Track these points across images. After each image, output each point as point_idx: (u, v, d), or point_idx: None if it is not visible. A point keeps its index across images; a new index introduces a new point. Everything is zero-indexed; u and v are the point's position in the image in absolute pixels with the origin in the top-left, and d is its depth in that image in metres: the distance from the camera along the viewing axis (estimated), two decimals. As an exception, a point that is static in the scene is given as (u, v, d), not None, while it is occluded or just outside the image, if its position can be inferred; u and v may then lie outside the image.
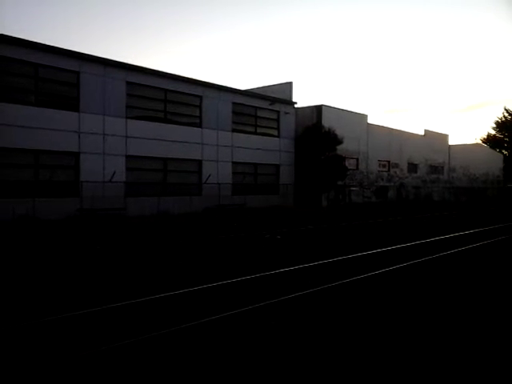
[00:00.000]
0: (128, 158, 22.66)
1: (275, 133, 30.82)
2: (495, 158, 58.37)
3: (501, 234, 17.43)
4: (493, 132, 69.77)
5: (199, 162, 26.06)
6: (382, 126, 39.23)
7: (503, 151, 66.19)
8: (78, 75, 20.93)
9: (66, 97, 20.91)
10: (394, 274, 9.73)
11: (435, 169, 46.95)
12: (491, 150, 60.67)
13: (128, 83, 22.77)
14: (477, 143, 61.97)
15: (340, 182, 32.35)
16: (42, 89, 20.16)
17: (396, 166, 40.78)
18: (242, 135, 28.37)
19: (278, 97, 31.05)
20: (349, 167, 33.38)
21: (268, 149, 29.82)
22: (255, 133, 29.53)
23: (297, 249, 13.60)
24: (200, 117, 26.22)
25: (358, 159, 35.64)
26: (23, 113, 19.16)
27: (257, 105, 29.47)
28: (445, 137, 48.93)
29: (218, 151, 26.93)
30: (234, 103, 27.99)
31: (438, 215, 28.10)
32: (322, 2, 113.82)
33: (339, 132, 31.15)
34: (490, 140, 68.69)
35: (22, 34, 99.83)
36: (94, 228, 17.83)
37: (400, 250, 13.00)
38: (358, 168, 35.64)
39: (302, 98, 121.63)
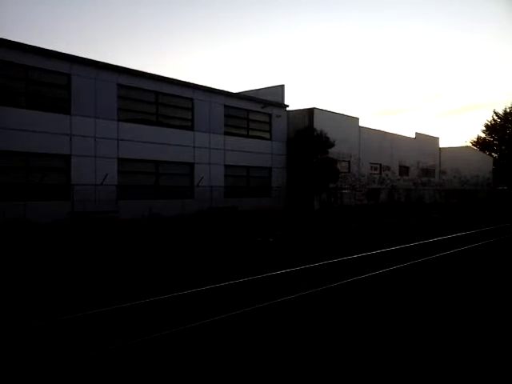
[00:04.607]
0: (120, 160, 22.56)
1: (267, 136, 30.87)
2: (485, 161, 58.95)
3: (489, 236, 17.57)
4: (482, 135, 70.45)
5: (191, 165, 26.02)
6: (374, 129, 39.46)
7: (493, 154, 66.83)
8: (69, 77, 20.83)
9: (56, 99, 20.79)
10: (381, 277, 9.78)
11: (426, 171, 47.32)
12: (481, 153, 61.26)
13: (119, 86, 22.70)
14: (467, 146, 62.53)
15: (332, 185, 32.44)
16: (32, 91, 20.02)
17: (387, 168, 41.02)
18: (234, 138, 28.36)
19: (270, 99, 31.11)
20: (341, 170, 33.47)
21: (260, 152, 29.85)
22: (247, 136, 29.55)
23: (289, 251, 13.61)
24: (192, 119, 26.19)
25: (349, 162, 35.80)
26: (13, 115, 19.01)
27: (249, 108, 29.51)
28: (435, 140, 49.34)
29: (210, 154, 26.92)
30: (225, 106, 28.00)
31: (428, 218, 28.27)
32: (313, 7, 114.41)
33: (331, 135, 31.26)
34: (479, 143, 69.30)
35: (12, 35, 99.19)
36: (86, 231, 17.71)
37: (389, 254, 13.05)
38: (349, 171, 35.79)
39: (294, 101, 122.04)
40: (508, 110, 67.29)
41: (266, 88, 33.37)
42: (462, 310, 7.25)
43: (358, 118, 37.30)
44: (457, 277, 9.84)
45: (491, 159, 61.64)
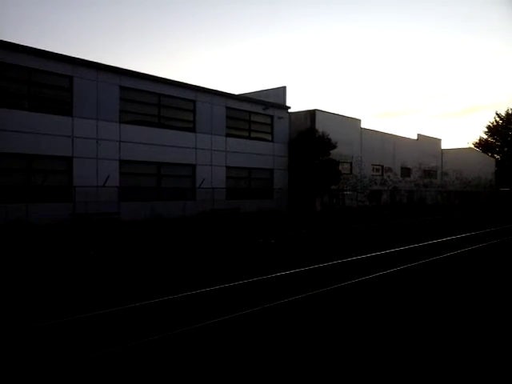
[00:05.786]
0: (121, 162, 22.59)
1: (269, 137, 30.87)
2: (487, 163, 58.84)
3: (493, 238, 17.53)
4: (485, 136, 70.35)
5: (193, 167, 26.04)
6: (376, 131, 39.43)
7: (495, 155, 66.71)
8: (71, 80, 20.88)
9: (59, 101, 20.84)
10: (386, 278, 9.76)
11: (428, 173, 47.24)
12: (483, 155, 61.15)
13: (121, 88, 22.73)
14: (469, 147, 62.44)
15: (334, 187, 32.40)
16: (34, 93, 20.07)
17: (389, 170, 40.99)
18: (235, 140, 28.38)
19: (271, 101, 31.13)
20: (342, 171, 33.45)
21: (262, 153, 29.86)
22: (249, 137, 29.57)
23: (291, 253, 13.59)
24: (194, 121, 26.22)
25: (351, 163, 35.78)
26: (16, 117, 19.07)
27: (251, 109, 29.53)
28: (437, 141, 49.28)
29: (212, 156, 26.93)
30: (227, 108, 28.03)
31: (431, 219, 28.22)
32: (314, 9, 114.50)
33: (333, 136, 31.25)
34: (482, 144, 69.20)
35: (14, 37, 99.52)
36: (88, 233, 17.74)
37: (389, 255, 13.04)
38: (351, 172, 35.77)
39: (296, 103, 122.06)
40: (510, 112, 67.20)
41: (267, 90, 33.41)
42: (469, 311, 7.24)
43: (359, 120, 37.30)
44: (461, 278, 9.81)
45: (493, 161, 61.53)
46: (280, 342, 5.80)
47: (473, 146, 67.21)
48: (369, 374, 4.90)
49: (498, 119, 68.66)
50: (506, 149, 67.59)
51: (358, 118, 37.22)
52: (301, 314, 7.00)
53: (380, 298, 8.05)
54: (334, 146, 31.12)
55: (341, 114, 35.24)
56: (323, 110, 33.16)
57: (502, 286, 9.21)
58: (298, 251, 13.99)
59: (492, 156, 64.60)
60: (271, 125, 30.94)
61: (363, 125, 37.57)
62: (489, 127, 69.54)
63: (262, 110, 30.02)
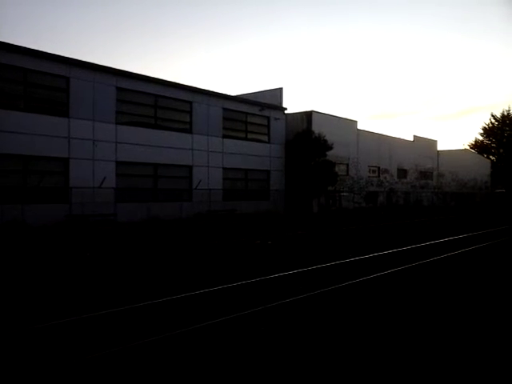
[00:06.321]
0: (118, 163, 22.54)
1: (265, 138, 30.88)
2: (483, 164, 59.10)
3: (488, 239, 17.58)
4: (480, 138, 70.59)
5: (189, 168, 26.01)
6: (372, 132, 39.53)
7: (491, 157, 66.96)
8: (67, 80, 20.83)
9: (55, 102, 20.78)
10: (381, 280, 9.77)
11: (424, 174, 47.40)
12: (479, 156, 61.42)
13: (118, 89, 22.69)
14: (465, 149, 62.68)
15: (330, 188, 32.44)
16: (31, 94, 20.01)
17: (386, 171, 41.09)
18: (232, 141, 28.38)
19: (268, 102, 31.15)
20: (339, 173, 33.50)
21: (258, 154, 29.87)
22: (246, 138, 29.57)
23: (288, 255, 13.58)
24: (190, 122, 26.19)
25: (348, 165, 35.84)
26: (12, 118, 18.99)
27: (247, 110, 29.53)
28: (433, 142, 49.46)
29: (209, 157, 26.91)
30: (224, 109, 28.02)
31: (427, 220, 28.28)
32: (311, 10, 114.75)
33: (329, 138, 31.29)
34: (477, 146, 69.43)
35: (11, 38, 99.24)
36: (84, 234, 17.67)
37: (386, 257, 13.06)
38: (348, 174, 35.82)
39: (293, 104, 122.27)
40: (506, 113, 67.49)
41: (264, 91, 33.42)
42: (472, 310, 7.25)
43: (356, 121, 37.37)
44: (460, 279, 9.83)
45: (489, 162, 61.81)
46: (279, 342, 5.79)
47: (469, 148, 67.46)
48: (367, 374, 4.90)
49: (493, 121, 68.95)
50: (501, 150, 67.85)
51: (354, 119, 37.35)
52: (300, 315, 6.99)
53: (378, 299, 8.05)
54: (330, 148, 31.15)
55: (337, 115, 35.36)
56: (320, 111, 33.24)
57: (500, 288, 9.24)
58: (295, 252, 13.98)
59: (487, 157, 64.86)
60: (268, 126, 30.95)
61: (359, 126, 37.70)
62: (484, 129, 69.79)
63: (258, 112, 30.03)
